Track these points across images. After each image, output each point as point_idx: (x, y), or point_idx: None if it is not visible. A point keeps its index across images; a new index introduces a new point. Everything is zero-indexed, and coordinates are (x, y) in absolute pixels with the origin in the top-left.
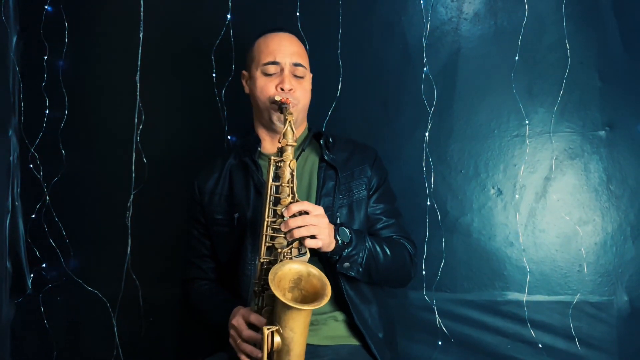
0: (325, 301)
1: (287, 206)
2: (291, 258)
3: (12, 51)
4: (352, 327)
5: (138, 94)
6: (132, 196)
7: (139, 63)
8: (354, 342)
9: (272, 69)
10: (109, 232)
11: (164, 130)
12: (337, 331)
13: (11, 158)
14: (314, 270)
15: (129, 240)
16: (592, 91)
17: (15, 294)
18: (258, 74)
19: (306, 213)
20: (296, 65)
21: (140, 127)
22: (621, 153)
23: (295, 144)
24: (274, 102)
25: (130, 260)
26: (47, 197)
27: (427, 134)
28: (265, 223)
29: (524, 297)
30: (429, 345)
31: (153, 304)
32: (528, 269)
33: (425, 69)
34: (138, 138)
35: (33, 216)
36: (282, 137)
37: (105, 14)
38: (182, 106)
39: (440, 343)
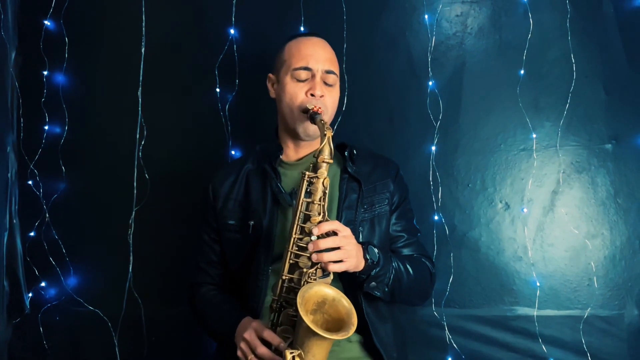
0: (352, 331)
1: (317, 224)
2: (315, 279)
3: (11, 66)
4: (367, 347)
5: (140, 109)
6: (134, 213)
7: (140, 78)
8: None
9: (303, 74)
10: (110, 249)
11: (167, 146)
12: (352, 353)
13: (9, 174)
14: (344, 299)
15: (131, 258)
16: (598, 104)
17: (13, 314)
18: (288, 78)
19: (335, 233)
20: (328, 72)
21: (143, 142)
22: (628, 166)
23: (331, 161)
24: (304, 111)
25: (132, 279)
26: (47, 214)
27: (433, 148)
28: (292, 240)
29: (534, 312)
30: None
31: (155, 323)
32: (538, 284)
33: (430, 83)
34: (140, 154)
35: (32, 234)
36: (318, 154)
37: (106, 28)
38: (185, 121)
39: (450, 359)
